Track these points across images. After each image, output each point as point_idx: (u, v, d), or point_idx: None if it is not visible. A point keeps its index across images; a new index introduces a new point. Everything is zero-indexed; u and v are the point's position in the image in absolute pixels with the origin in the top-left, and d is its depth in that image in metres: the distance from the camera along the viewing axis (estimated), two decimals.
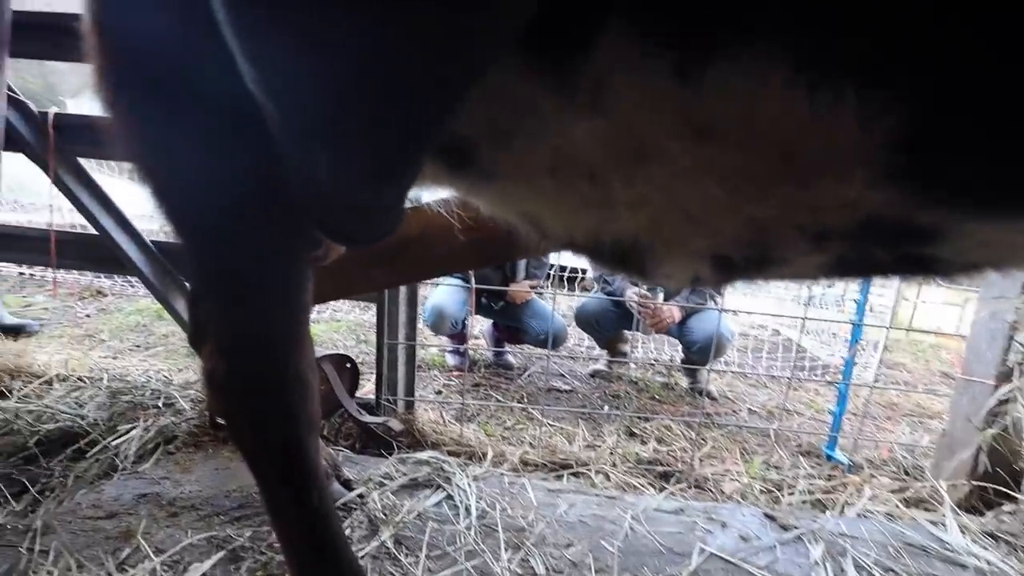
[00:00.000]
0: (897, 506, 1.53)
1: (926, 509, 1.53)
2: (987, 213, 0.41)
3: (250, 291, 0.68)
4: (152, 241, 1.73)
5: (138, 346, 2.82)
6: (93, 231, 1.69)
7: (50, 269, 1.86)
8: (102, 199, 1.67)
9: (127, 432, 1.50)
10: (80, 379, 1.85)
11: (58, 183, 1.59)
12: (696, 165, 0.46)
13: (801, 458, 1.98)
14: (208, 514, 1.20)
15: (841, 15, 0.35)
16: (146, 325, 3.24)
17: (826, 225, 0.47)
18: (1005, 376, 1.52)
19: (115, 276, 4.10)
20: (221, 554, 1.06)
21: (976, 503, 1.53)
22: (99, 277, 4.24)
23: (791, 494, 1.64)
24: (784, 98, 0.38)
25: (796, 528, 1.28)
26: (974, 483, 1.54)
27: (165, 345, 2.85)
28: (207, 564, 1.03)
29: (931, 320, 4.43)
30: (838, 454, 2.00)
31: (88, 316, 3.44)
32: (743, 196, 0.47)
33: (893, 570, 1.15)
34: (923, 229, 0.44)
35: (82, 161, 1.67)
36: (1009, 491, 1.48)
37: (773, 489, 1.67)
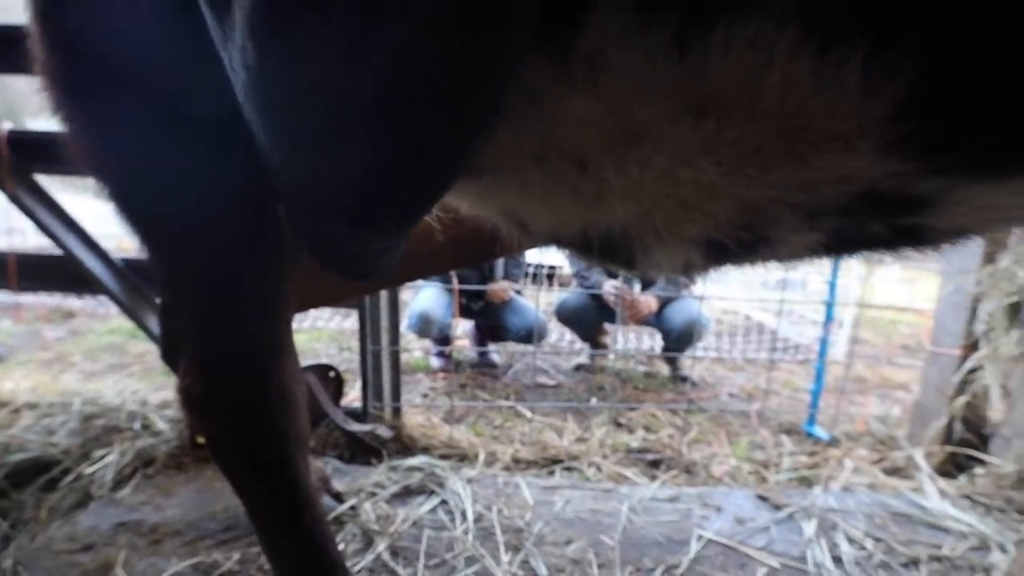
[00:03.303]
0: (877, 476, 1.59)
1: (904, 477, 1.59)
2: (985, 175, 0.41)
3: (225, 299, 0.65)
4: (121, 258, 1.66)
5: (112, 367, 2.70)
6: (58, 251, 1.62)
7: (13, 293, 1.76)
8: (63, 217, 1.59)
9: (102, 458, 1.44)
10: (50, 405, 1.76)
11: (15, 201, 1.51)
12: (692, 146, 0.44)
13: (783, 436, 2.03)
14: (193, 539, 1.16)
15: None
16: (120, 345, 3.11)
17: (822, 202, 0.46)
18: (971, 346, 1.59)
19: (85, 296, 3.91)
20: None
21: (950, 468, 1.60)
22: (68, 298, 4.03)
23: (778, 472, 1.68)
24: (789, 67, 0.36)
25: (788, 506, 1.31)
26: (947, 449, 1.61)
27: (141, 364, 2.74)
28: None
29: (885, 297, 4.64)
30: (818, 430, 2.07)
31: (58, 339, 3.28)
32: (740, 177, 0.45)
33: (883, 540, 1.20)
34: (919, 198, 0.43)
35: (43, 179, 1.59)
36: (980, 454, 1.55)
37: (760, 468, 1.71)
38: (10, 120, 1.56)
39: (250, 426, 0.69)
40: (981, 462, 1.54)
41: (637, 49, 0.39)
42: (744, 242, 0.53)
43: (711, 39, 0.36)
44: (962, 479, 1.51)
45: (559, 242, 0.71)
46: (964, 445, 1.59)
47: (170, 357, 0.74)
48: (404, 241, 0.60)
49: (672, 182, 0.48)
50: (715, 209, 0.50)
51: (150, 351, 2.86)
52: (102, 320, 3.75)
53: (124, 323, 3.35)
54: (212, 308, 0.65)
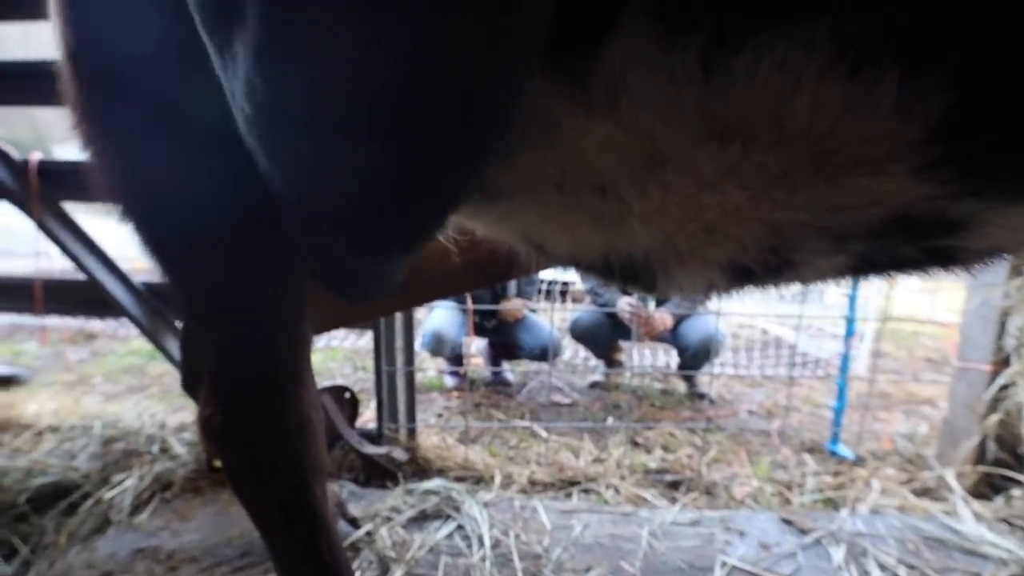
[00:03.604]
0: (907, 498, 1.53)
1: (936, 499, 1.53)
2: (1022, 195, 0.39)
3: (244, 327, 0.65)
4: (142, 282, 1.70)
5: (132, 388, 2.74)
6: (80, 276, 1.66)
7: (38, 316, 1.81)
8: (87, 242, 1.63)
9: (121, 482, 1.45)
10: (72, 428, 1.79)
11: (42, 228, 1.56)
12: (717, 170, 0.43)
13: (806, 455, 1.98)
14: (209, 565, 1.15)
15: None
16: (139, 366, 3.16)
17: (852, 225, 0.44)
18: (1002, 362, 1.54)
19: (107, 318, 3.98)
20: None
21: (984, 489, 1.54)
22: (90, 320, 4.10)
23: (802, 493, 1.63)
24: (818, 89, 0.35)
25: (814, 530, 1.26)
26: (980, 469, 1.55)
27: (159, 385, 2.78)
28: None
29: (904, 308, 4.51)
30: (842, 449, 2.01)
31: (80, 361, 3.34)
32: (767, 201, 0.44)
33: (916, 567, 1.15)
34: (953, 221, 0.42)
35: (70, 205, 1.64)
36: (1016, 475, 1.49)
37: (783, 490, 1.66)
38: (38, 149, 1.62)
39: (268, 454, 0.69)
40: (1018, 483, 1.48)
41: (659, 72, 0.37)
42: (769, 265, 0.51)
43: (737, 61, 0.35)
44: (998, 501, 1.45)
45: (578, 265, 0.70)
46: (998, 465, 1.53)
47: (191, 387, 0.74)
48: (407, 264, 0.60)
49: (696, 206, 0.47)
50: (740, 233, 0.48)
51: (168, 372, 2.90)
52: (122, 341, 3.81)
53: (143, 344, 3.41)
54: (230, 335, 0.66)
